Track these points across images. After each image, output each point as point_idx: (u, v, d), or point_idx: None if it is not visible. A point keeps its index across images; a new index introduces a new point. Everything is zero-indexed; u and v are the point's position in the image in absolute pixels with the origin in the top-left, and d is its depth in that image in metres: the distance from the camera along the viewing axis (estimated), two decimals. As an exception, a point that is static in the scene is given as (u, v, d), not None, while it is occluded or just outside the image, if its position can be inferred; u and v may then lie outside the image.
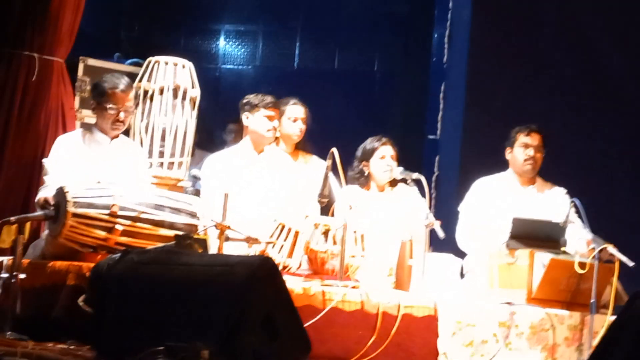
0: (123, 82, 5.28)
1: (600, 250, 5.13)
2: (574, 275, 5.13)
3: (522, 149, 6.01)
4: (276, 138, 5.98)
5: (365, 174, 5.94)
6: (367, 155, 5.93)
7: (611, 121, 7.39)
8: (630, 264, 5.11)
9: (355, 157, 5.99)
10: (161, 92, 5.69)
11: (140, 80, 5.71)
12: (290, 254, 5.13)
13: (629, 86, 7.40)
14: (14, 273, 4.40)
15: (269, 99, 5.76)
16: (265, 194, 5.70)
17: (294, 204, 5.70)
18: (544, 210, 5.86)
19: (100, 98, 5.25)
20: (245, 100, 5.81)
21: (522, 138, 6.02)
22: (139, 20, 8.73)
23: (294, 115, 6.12)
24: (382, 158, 5.90)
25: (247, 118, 5.77)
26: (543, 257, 5.15)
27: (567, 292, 5.17)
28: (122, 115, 5.25)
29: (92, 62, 6.20)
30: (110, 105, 5.22)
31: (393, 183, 5.98)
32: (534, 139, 6.01)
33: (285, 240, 5.12)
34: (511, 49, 7.57)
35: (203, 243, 4.54)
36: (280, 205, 5.61)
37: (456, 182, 7.32)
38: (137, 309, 4.04)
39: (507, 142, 6.10)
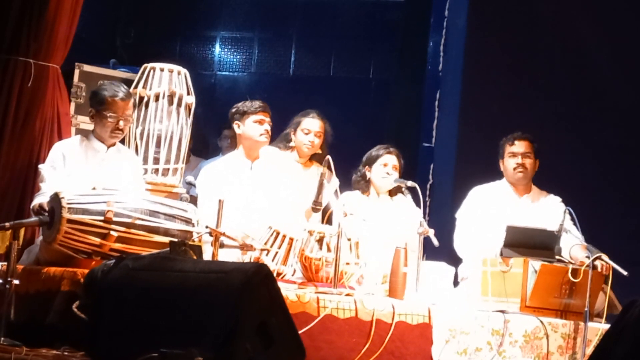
0: (122, 90, 5.27)
1: (594, 259, 5.14)
2: (566, 282, 5.14)
3: (510, 158, 6.05)
4: (291, 147, 6.04)
5: (367, 179, 6.04)
6: (371, 161, 6.03)
7: (605, 130, 7.39)
8: (625, 273, 5.12)
9: (361, 161, 6.08)
10: (157, 98, 5.70)
11: (135, 87, 5.71)
12: (284, 261, 5.13)
13: (622, 95, 7.41)
14: (8, 279, 4.39)
15: (257, 104, 5.75)
16: (259, 202, 5.68)
17: (289, 211, 5.70)
18: (539, 218, 5.86)
19: (99, 106, 5.24)
20: (234, 110, 5.79)
21: (508, 148, 6.08)
22: (134, 26, 8.73)
23: (308, 128, 6.08)
24: (385, 166, 5.97)
25: (238, 127, 5.75)
26: (536, 265, 5.16)
27: (561, 300, 5.18)
28: (121, 123, 5.23)
29: (87, 68, 6.18)
30: (110, 114, 5.21)
31: (393, 192, 6.03)
32: (519, 147, 6.05)
33: (279, 247, 5.12)
34: (506, 57, 7.59)
35: (198, 250, 4.53)
36: (276, 213, 5.59)
37: (451, 190, 7.32)
38: (132, 315, 4.03)
39: (498, 155, 6.13)
